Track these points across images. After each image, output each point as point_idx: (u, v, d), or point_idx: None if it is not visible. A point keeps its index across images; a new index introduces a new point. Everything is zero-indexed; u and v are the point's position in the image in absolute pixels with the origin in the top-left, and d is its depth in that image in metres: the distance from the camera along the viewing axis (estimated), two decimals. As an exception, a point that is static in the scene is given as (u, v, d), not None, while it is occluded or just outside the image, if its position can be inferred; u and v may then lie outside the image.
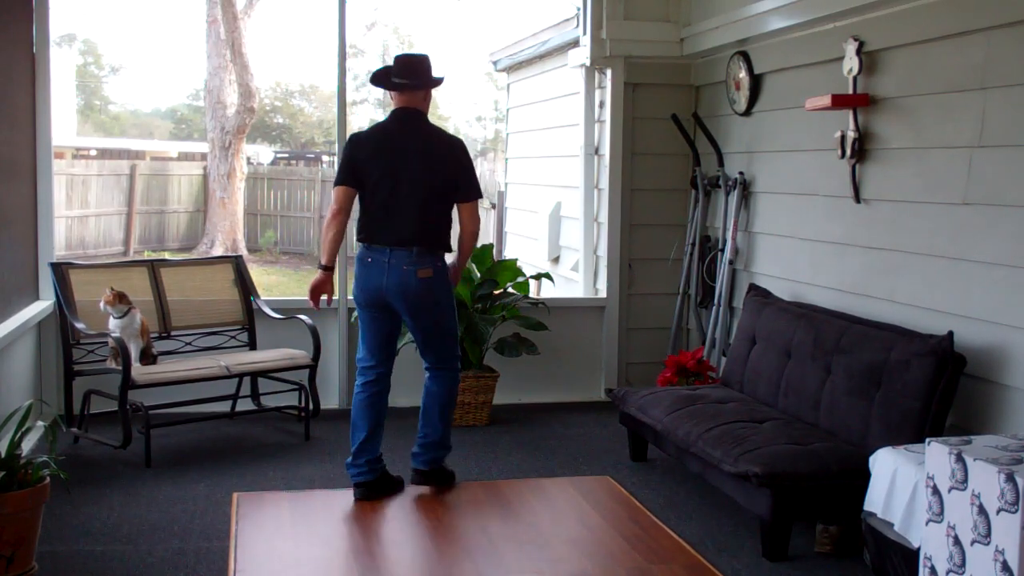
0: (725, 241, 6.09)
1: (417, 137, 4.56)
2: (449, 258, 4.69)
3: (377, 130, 4.68)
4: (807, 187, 5.37)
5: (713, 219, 6.34)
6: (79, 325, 5.39)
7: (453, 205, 4.59)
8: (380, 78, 4.65)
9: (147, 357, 5.45)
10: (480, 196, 4.65)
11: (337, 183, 4.57)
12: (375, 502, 4.63)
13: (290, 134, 34.21)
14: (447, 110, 37.81)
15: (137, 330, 5.40)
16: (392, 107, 4.66)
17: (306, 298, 4.75)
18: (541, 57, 9.18)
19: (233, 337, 6.00)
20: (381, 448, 4.69)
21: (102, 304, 5.35)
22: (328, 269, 4.64)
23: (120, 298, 5.38)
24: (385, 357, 4.66)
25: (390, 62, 4.83)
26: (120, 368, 5.06)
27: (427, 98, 4.68)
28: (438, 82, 4.67)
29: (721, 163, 6.20)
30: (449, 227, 4.62)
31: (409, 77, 4.58)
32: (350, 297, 6.27)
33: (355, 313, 6.19)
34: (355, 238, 4.63)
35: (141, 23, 45.36)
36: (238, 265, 6.19)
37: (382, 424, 4.66)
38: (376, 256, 4.50)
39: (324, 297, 4.69)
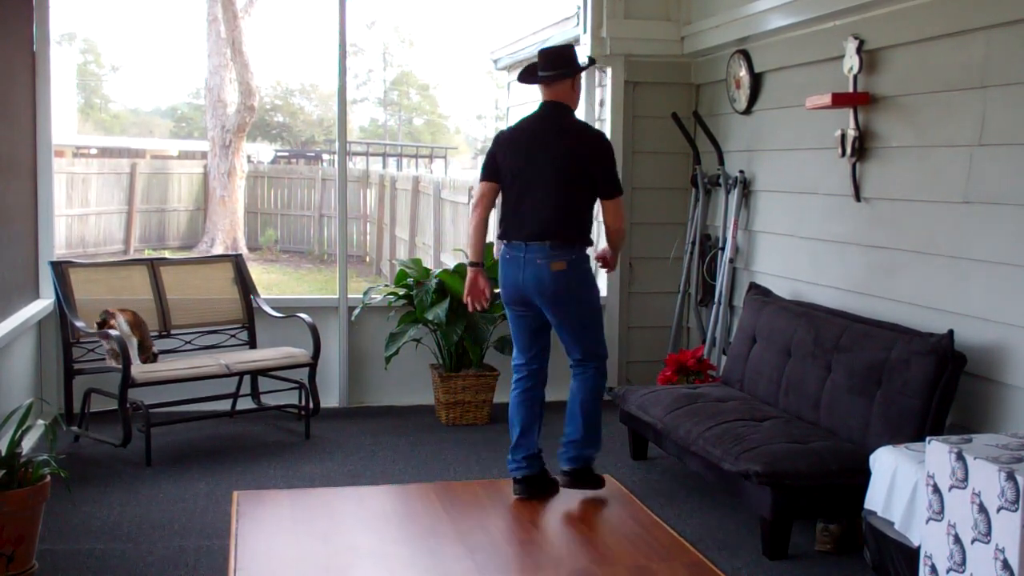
0: (725, 240, 6.09)
1: (555, 131, 4.53)
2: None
3: (518, 126, 4.63)
4: (807, 186, 5.37)
5: (713, 218, 6.34)
6: (79, 324, 5.39)
7: (594, 200, 4.57)
8: (526, 75, 4.63)
9: (145, 351, 5.45)
10: (620, 193, 4.59)
11: (480, 179, 4.64)
12: (373, 500, 4.64)
13: (290, 132, 34.22)
14: (447, 109, 37.92)
15: (127, 330, 5.39)
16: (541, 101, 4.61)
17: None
18: (541, 55, 9.16)
19: (233, 336, 6.00)
20: (539, 446, 4.67)
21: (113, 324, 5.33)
22: (476, 265, 4.66)
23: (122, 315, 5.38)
24: (535, 354, 4.68)
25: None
26: (120, 366, 5.06)
27: (574, 88, 4.63)
28: (578, 69, 4.61)
29: (721, 162, 6.20)
30: (589, 222, 4.57)
31: (549, 68, 4.56)
32: (350, 296, 6.32)
33: (356, 312, 6.23)
34: (496, 237, 4.65)
35: (141, 22, 45.43)
36: (238, 264, 6.19)
37: (537, 420, 4.66)
38: (514, 252, 4.52)
39: (483, 295, 4.70)
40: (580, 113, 6.85)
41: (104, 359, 5.46)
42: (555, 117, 4.55)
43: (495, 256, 4.90)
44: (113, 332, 5.18)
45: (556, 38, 8.46)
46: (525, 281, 4.49)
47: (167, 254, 16.20)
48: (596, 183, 4.50)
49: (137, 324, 5.47)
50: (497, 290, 4.79)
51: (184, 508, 4.50)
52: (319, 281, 15.64)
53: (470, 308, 4.77)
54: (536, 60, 4.62)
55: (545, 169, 4.46)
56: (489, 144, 4.81)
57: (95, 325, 5.33)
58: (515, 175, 4.51)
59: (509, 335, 6.05)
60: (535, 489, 4.61)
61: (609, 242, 4.68)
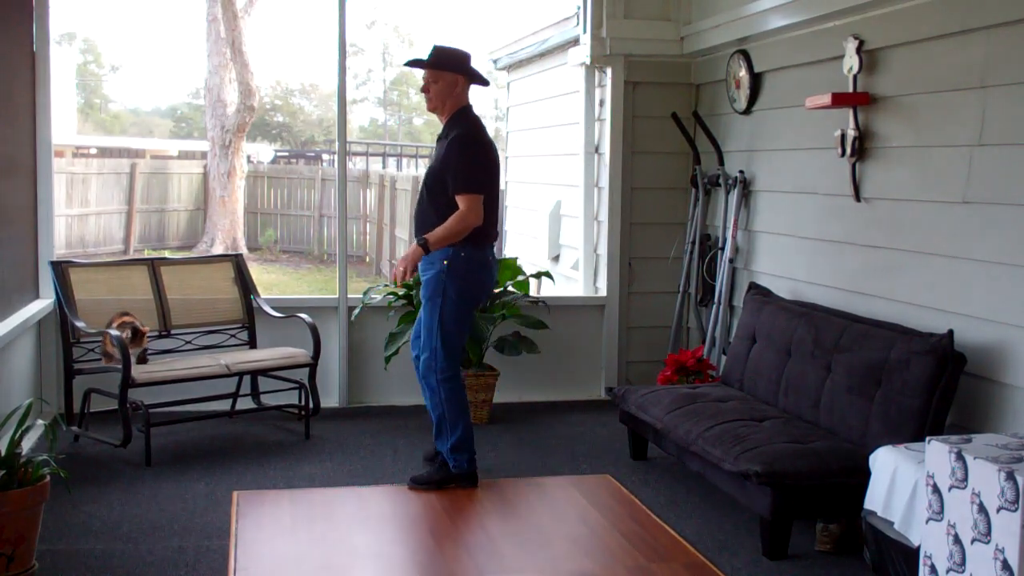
0: (725, 240, 6.09)
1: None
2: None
3: (485, 133, 4.79)
4: (807, 186, 5.37)
5: (713, 217, 6.34)
6: (79, 324, 5.38)
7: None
8: (477, 76, 4.78)
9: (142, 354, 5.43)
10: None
11: (478, 191, 4.57)
12: (373, 501, 4.65)
13: (290, 132, 34.26)
14: (447, 108, 37.83)
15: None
16: (467, 104, 4.77)
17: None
18: (541, 55, 9.18)
19: (233, 336, 6.00)
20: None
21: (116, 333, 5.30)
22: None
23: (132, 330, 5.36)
24: None
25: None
26: (119, 366, 5.06)
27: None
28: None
29: (721, 161, 6.20)
30: None
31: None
32: (350, 296, 6.32)
33: (355, 312, 6.22)
34: (462, 242, 4.57)
35: (141, 21, 45.49)
36: (238, 263, 6.19)
37: None
38: (490, 255, 4.76)
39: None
40: (580, 113, 6.94)
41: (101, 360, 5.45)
42: None
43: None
44: (113, 332, 5.18)
45: (556, 38, 8.47)
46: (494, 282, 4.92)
47: (167, 254, 16.21)
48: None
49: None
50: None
51: (184, 508, 4.50)
52: (319, 281, 15.64)
53: (402, 280, 4.68)
54: (468, 60, 4.76)
55: (498, 176, 4.79)
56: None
57: (130, 333, 5.31)
58: (494, 184, 4.72)
59: (509, 335, 6.09)
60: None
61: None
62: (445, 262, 4.58)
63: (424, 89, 4.76)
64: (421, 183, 4.81)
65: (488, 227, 4.65)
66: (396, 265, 4.67)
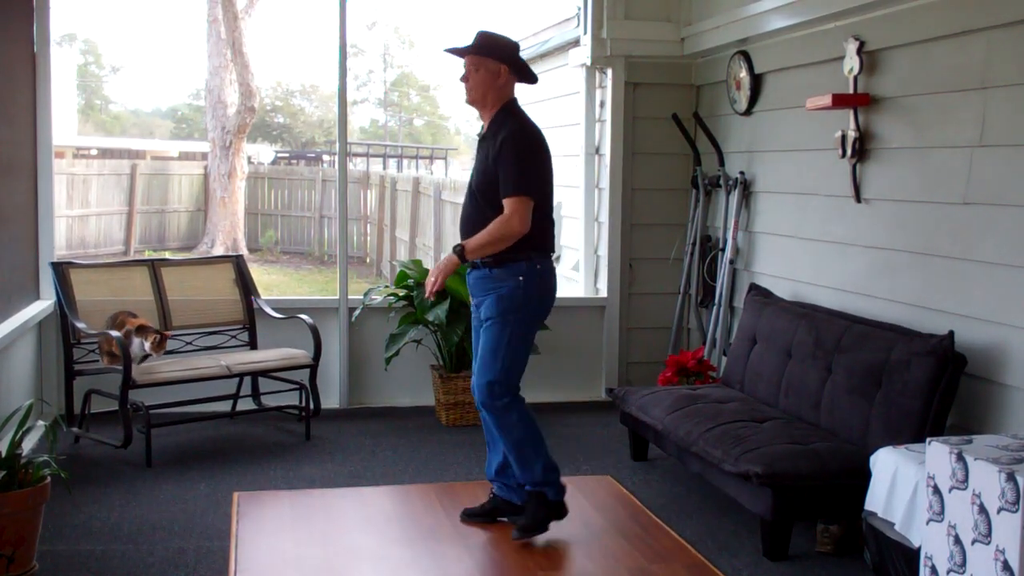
0: (726, 241, 6.09)
1: None
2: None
3: (539, 130, 4.25)
4: (808, 187, 5.37)
5: (714, 219, 6.34)
6: (80, 325, 5.38)
7: None
8: (526, 68, 4.31)
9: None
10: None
11: (529, 194, 4.05)
12: (374, 502, 4.64)
13: (291, 133, 34.28)
14: (447, 110, 37.94)
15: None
16: (512, 98, 4.28)
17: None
18: (542, 56, 9.18)
19: (234, 336, 6.00)
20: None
21: (147, 346, 5.28)
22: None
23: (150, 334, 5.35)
24: None
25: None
26: (120, 367, 5.06)
27: None
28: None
29: (722, 163, 6.20)
30: None
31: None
32: (350, 297, 6.32)
33: (356, 313, 6.22)
34: (525, 250, 4.09)
35: (142, 22, 45.53)
36: (239, 264, 6.19)
37: None
38: (550, 264, 4.22)
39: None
40: (580, 114, 6.94)
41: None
42: None
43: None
44: (114, 333, 5.18)
45: (556, 39, 8.47)
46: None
47: (167, 255, 16.21)
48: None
49: None
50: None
51: (184, 509, 4.50)
52: (319, 282, 15.65)
53: (434, 292, 4.23)
54: (515, 50, 4.31)
55: (551, 180, 4.27)
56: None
57: (155, 338, 5.26)
58: (550, 184, 4.23)
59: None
60: None
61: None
62: (520, 278, 4.08)
63: (464, 78, 4.22)
64: (468, 187, 4.28)
65: (547, 236, 4.17)
66: (427, 276, 4.19)
